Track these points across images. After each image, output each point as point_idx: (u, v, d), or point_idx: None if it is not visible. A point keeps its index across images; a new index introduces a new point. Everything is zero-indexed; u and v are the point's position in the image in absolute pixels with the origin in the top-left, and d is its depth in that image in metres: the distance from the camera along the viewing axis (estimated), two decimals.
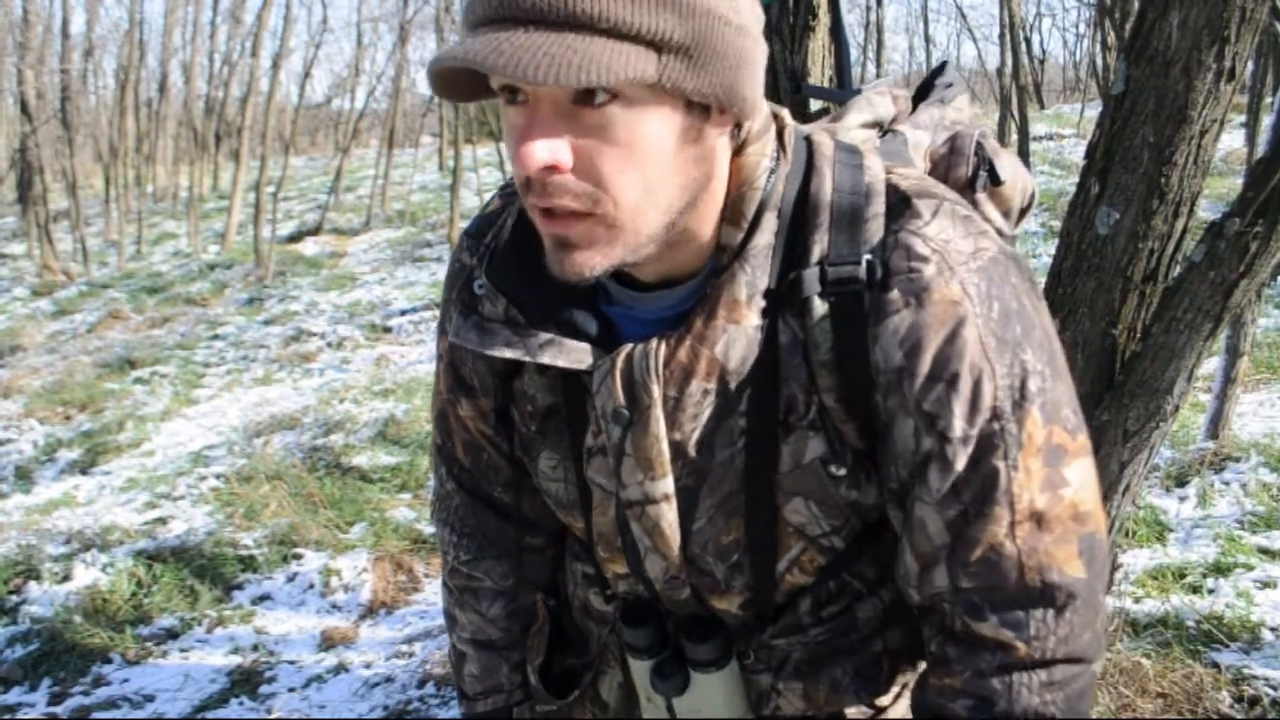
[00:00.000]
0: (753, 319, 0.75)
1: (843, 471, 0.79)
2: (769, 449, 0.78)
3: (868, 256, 0.73)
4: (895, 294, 0.73)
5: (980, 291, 0.73)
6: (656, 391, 0.77)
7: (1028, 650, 0.74)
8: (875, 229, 0.74)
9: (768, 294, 0.75)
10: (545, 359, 0.78)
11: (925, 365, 0.72)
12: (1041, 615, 0.73)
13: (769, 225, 0.75)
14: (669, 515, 0.82)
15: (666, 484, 0.80)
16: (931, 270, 0.72)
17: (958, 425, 0.72)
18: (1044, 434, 0.73)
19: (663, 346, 0.77)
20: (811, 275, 0.74)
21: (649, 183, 0.68)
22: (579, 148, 0.66)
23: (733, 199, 0.75)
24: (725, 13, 0.66)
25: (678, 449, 0.79)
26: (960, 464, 0.73)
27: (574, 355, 0.78)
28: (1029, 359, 0.73)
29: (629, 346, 0.78)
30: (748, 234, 0.75)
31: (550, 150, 0.66)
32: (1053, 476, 0.73)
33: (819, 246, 0.74)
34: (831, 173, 0.77)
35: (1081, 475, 0.74)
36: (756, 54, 0.70)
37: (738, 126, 0.74)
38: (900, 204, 0.75)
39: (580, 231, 0.69)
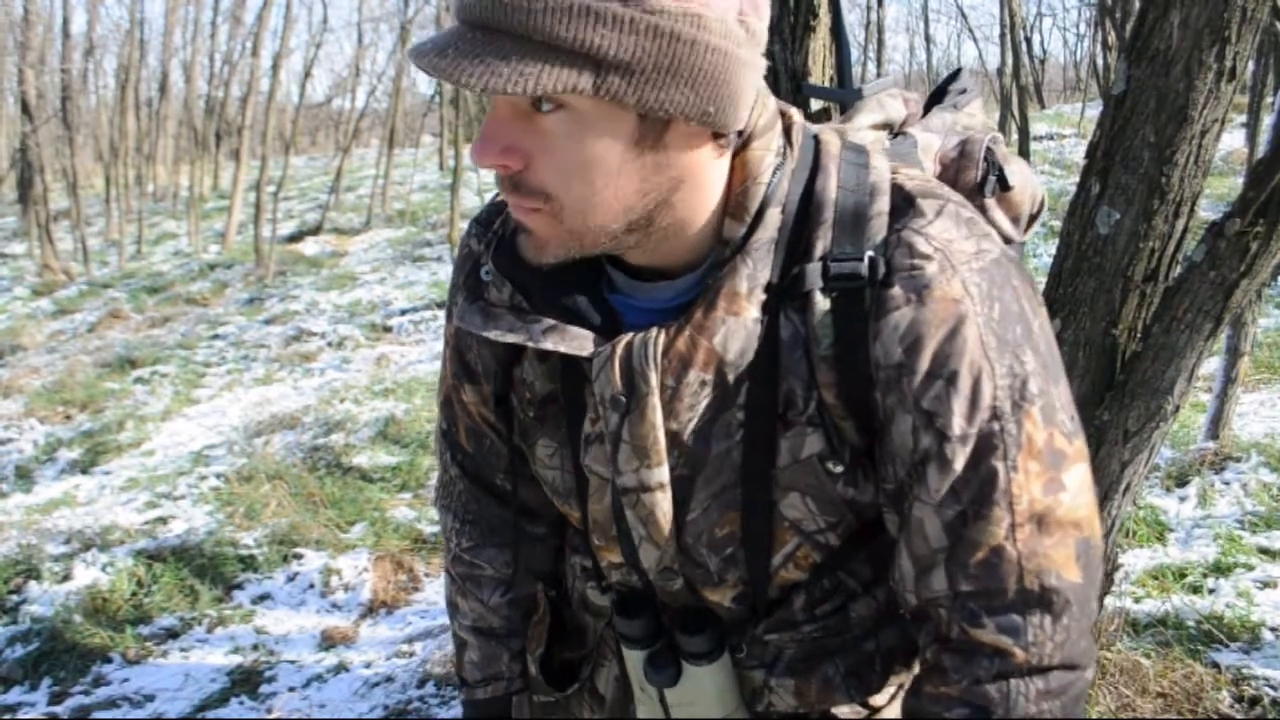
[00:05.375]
0: (752, 312, 0.75)
1: (840, 468, 0.79)
2: (766, 443, 0.79)
3: (870, 253, 0.74)
4: (897, 290, 0.73)
5: (981, 291, 0.73)
6: (654, 380, 0.77)
7: (1025, 656, 0.73)
8: (878, 227, 0.75)
9: (769, 288, 0.76)
10: (547, 345, 0.78)
11: (925, 362, 0.73)
12: (1039, 620, 0.73)
13: (772, 221, 0.76)
14: (664, 504, 0.82)
15: (662, 472, 0.81)
16: (934, 268, 0.73)
17: (956, 423, 0.72)
18: (1044, 436, 0.73)
19: (662, 336, 0.77)
20: (814, 270, 0.74)
21: (596, 189, 0.70)
22: (528, 151, 0.69)
23: (736, 193, 0.75)
24: (688, 33, 0.65)
25: (674, 438, 0.80)
26: (959, 464, 0.73)
27: (575, 342, 0.78)
28: (1029, 360, 0.73)
29: (629, 335, 0.78)
30: (750, 228, 0.75)
31: (495, 153, 0.69)
32: (1052, 479, 0.73)
33: (822, 242, 0.75)
34: (837, 171, 0.77)
35: (1079, 480, 0.74)
36: (732, 71, 0.68)
37: (720, 134, 0.73)
38: (904, 203, 0.76)
39: (535, 222, 0.73)
